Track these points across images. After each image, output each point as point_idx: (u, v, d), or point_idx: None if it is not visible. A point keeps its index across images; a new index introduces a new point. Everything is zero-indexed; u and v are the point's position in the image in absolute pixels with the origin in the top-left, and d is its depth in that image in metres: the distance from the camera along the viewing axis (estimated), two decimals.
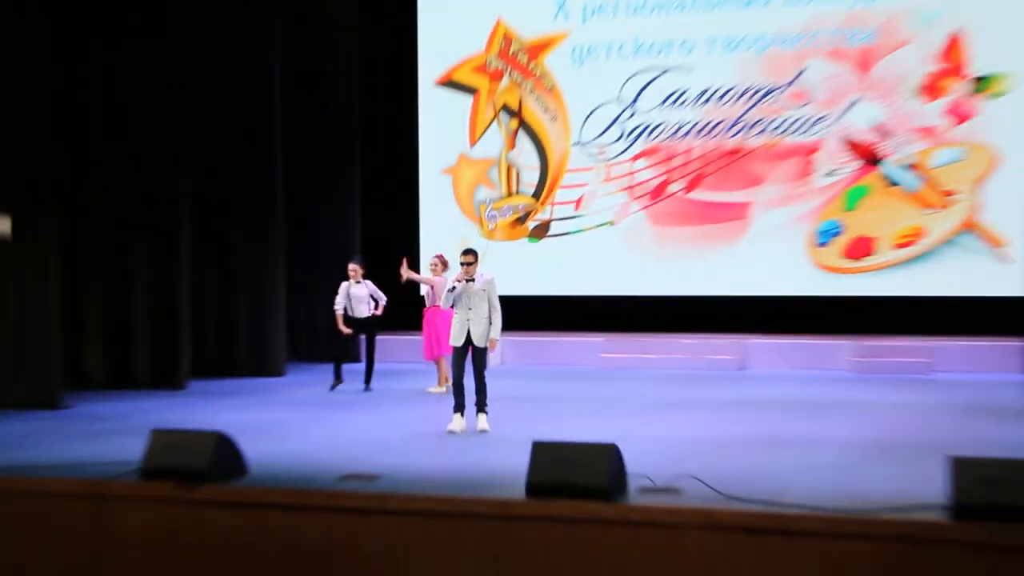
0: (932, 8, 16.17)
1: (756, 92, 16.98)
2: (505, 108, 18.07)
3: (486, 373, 10.31)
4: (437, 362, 13.36)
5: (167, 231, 13.83)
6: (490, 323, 10.19)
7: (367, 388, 13.49)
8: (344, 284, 13.55)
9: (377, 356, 13.81)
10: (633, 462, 7.61)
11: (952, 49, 16.19)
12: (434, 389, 13.27)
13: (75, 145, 13.51)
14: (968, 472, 6.59)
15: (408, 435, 10.15)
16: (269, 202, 15.39)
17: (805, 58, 16.78)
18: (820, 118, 16.71)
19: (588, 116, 17.69)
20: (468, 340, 10.19)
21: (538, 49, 17.92)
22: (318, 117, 16.84)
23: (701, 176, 17.21)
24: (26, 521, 8.00)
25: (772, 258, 16.81)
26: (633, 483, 7.44)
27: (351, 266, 13.66)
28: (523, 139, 18.00)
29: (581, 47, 17.77)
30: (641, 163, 17.48)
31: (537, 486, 7.18)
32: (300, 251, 16.43)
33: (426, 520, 7.25)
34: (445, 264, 13.33)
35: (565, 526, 6.99)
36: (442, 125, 18.34)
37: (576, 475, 7.07)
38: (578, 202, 17.78)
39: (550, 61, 17.87)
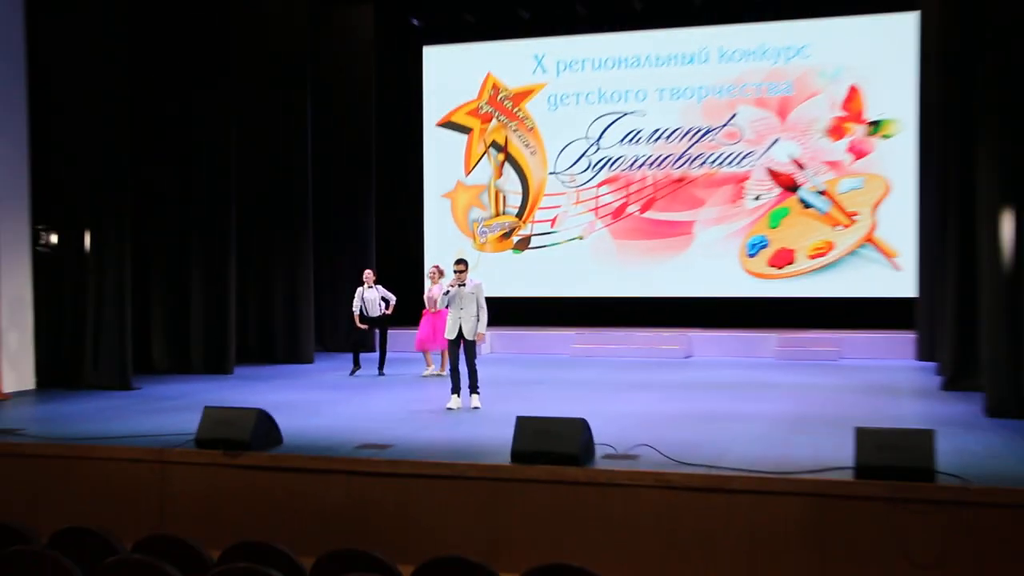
0: (835, 66, 16.27)
1: (697, 132, 16.98)
2: (494, 144, 18.03)
3: (477, 361, 10.25)
4: (424, 351, 13.30)
5: (217, 244, 13.73)
6: (478, 320, 10.16)
7: (381, 373, 13.41)
8: (359, 289, 13.47)
9: (389, 347, 13.73)
10: (599, 433, 7.58)
11: (852, 99, 16.26)
12: (427, 373, 13.20)
13: (146, 169, 13.42)
14: (870, 440, 6.60)
15: (414, 412, 10.09)
16: (301, 219, 15.31)
17: (736, 105, 16.80)
18: (748, 153, 16.71)
19: (561, 151, 17.67)
20: (460, 334, 10.14)
21: (521, 96, 17.90)
22: (342, 150, 16.76)
23: (653, 199, 17.20)
24: (103, 480, 7.98)
25: (711, 266, 16.81)
26: (599, 451, 7.41)
27: (365, 273, 13.59)
28: (508, 169, 17.97)
29: (556, 95, 17.75)
30: (605, 189, 17.46)
31: (520, 453, 7.15)
32: (325, 259, 16.34)
33: (429, 481, 7.21)
34: (441, 272, 13.26)
35: (543, 486, 6.96)
36: (442, 158, 18.31)
37: (552, 444, 7.04)
38: (553, 221, 17.75)
39: (530, 106, 17.85)
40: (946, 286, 11.75)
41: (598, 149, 17.47)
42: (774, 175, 16.59)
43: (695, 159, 16.95)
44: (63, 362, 12.28)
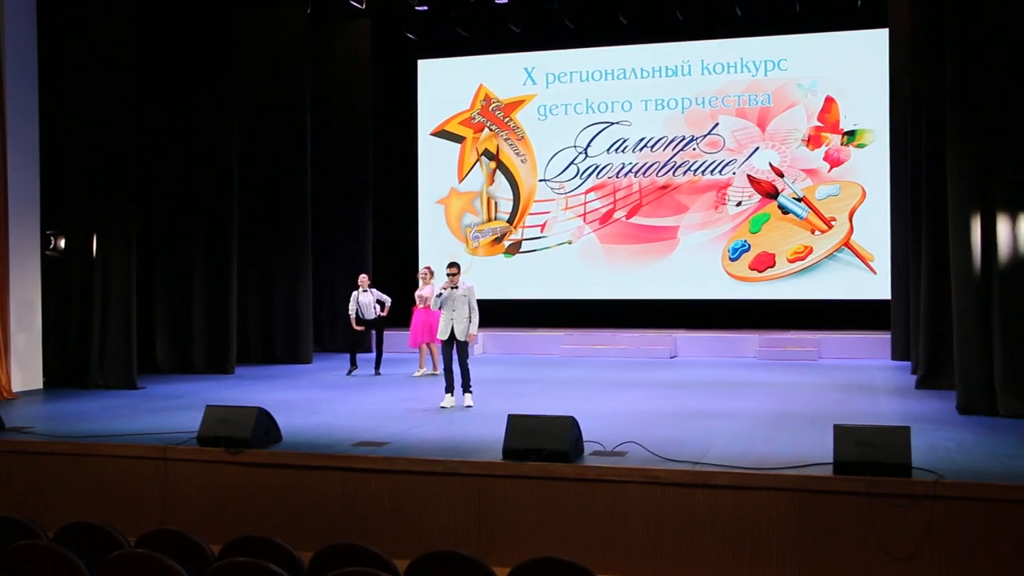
0: (812, 79, 16.34)
1: (680, 141, 16.99)
2: (486, 152, 18.01)
3: (469, 361, 10.21)
4: (420, 349, 13.26)
5: (219, 248, 13.68)
6: (470, 321, 10.11)
7: (377, 373, 13.36)
8: (354, 293, 13.43)
9: (384, 347, 13.68)
10: (587, 431, 7.55)
11: (828, 110, 16.31)
12: (419, 374, 13.16)
13: (150, 176, 13.36)
14: (848, 436, 6.58)
15: (409, 410, 10.03)
16: (300, 224, 15.27)
17: (718, 115, 16.82)
18: (730, 161, 16.73)
19: (551, 159, 17.67)
20: (452, 335, 10.09)
21: (512, 107, 17.88)
22: (340, 158, 16.73)
23: (639, 206, 17.19)
24: (108, 476, 7.92)
25: (695, 269, 16.81)
26: (588, 448, 7.38)
27: (360, 277, 13.55)
28: (500, 177, 17.95)
29: (545, 105, 17.74)
30: (592, 195, 17.45)
31: (512, 451, 7.11)
32: (324, 262, 16.30)
33: (424, 478, 7.17)
34: (432, 273, 13.25)
35: (534, 482, 6.93)
36: (436, 165, 18.29)
37: (543, 442, 7.01)
38: (543, 226, 17.73)
39: (521, 116, 17.84)
40: (919, 288, 11.77)
41: (586, 157, 17.46)
42: (754, 182, 16.60)
43: (679, 167, 16.96)
44: (70, 362, 12.22)
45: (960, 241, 9.46)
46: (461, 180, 18.15)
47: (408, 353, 14.48)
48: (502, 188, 17.94)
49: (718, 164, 16.76)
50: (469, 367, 10.18)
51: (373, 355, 13.68)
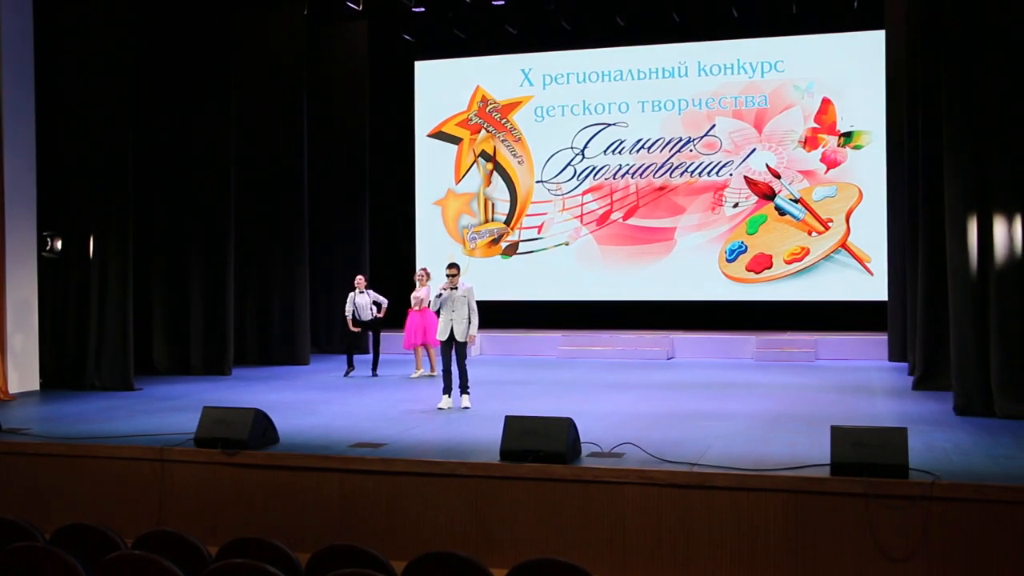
0: (808, 80, 16.35)
1: (677, 142, 16.99)
2: (483, 154, 18.01)
3: (467, 362, 10.20)
4: (415, 351, 13.25)
5: (217, 249, 13.67)
6: (469, 322, 10.11)
7: (374, 374, 13.35)
8: (351, 294, 13.42)
9: (381, 349, 13.68)
10: (585, 432, 7.56)
11: (825, 111, 16.32)
12: (415, 375, 13.15)
13: (147, 177, 13.34)
14: (845, 438, 6.59)
15: (407, 411, 10.03)
16: (297, 225, 15.25)
17: (714, 117, 16.82)
18: (727, 163, 16.73)
19: (548, 160, 17.66)
20: (452, 336, 10.09)
21: (509, 108, 17.88)
22: (337, 159, 16.71)
23: (636, 207, 17.20)
24: (105, 478, 7.91)
25: (692, 271, 16.82)
26: (585, 449, 7.38)
27: (357, 279, 13.54)
28: (497, 178, 17.95)
29: (542, 107, 17.74)
30: (589, 197, 17.45)
31: (509, 452, 7.11)
32: (321, 264, 16.28)
33: (421, 479, 7.17)
34: (429, 275, 13.25)
35: (531, 484, 6.92)
36: (433, 167, 18.28)
37: (540, 443, 7.01)
38: (540, 227, 17.73)
39: (518, 118, 17.84)
40: (916, 290, 11.78)
41: (583, 159, 17.47)
42: (751, 184, 16.61)
43: (676, 168, 16.97)
44: (67, 363, 12.20)
45: (957, 242, 9.47)
46: (458, 181, 18.15)
47: (405, 354, 14.47)
48: (499, 189, 17.94)
49: (715, 165, 16.77)
50: (467, 368, 10.17)
51: (370, 356, 13.67)
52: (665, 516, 6.62)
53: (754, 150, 16.59)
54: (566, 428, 7.10)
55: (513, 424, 7.21)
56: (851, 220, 16.14)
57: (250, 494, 7.52)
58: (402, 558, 4.83)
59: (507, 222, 17.89)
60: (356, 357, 13.66)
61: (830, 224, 16.22)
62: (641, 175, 17.13)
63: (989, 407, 9.10)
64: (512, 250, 17.87)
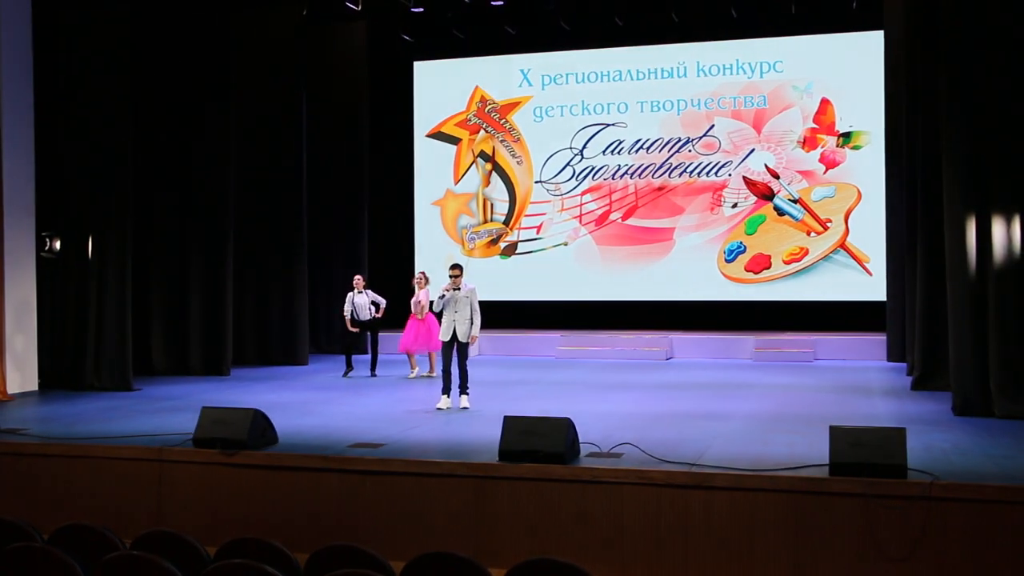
0: (807, 81, 16.35)
1: (676, 142, 17.00)
2: (482, 154, 18.01)
3: (467, 363, 10.20)
4: (409, 354, 13.25)
5: (215, 250, 13.67)
6: (471, 323, 10.11)
7: (372, 374, 13.34)
8: (349, 294, 13.41)
9: (380, 349, 13.67)
10: (583, 433, 7.56)
11: (823, 112, 16.32)
12: (412, 375, 13.15)
13: (146, 177, 13.32)
14: (844, 438, 6.59)
15: (405, 412, 10.03)
16: (296, 225, 15.24)
17: (713, 117, 16.83)
18: (726, 163, 16.74)
19: (546, 160, 17.66)
20: (454, 336, 10.09)
21: (508, 108, 17.89)
22: (335, 159, 16.69)
23: (635, 207, 17.20)
24: (104, 478, 7.90)
25: (691, 271, 16.81)
26: (584, 449, 7.38)
27: (355, 279, 13.53)
28: (496, 178, 17.95)
29: (541, 107, 17.74)
30: (588, 197, 17.45)
31: (507, 452, 7.11)
32: (320, 264, 16.26)
33: (420, 479, 7.16)
34: (428, 279, 13.23)
35: (530, 484, 6.92)
36: (432, 167, 18.27)
37: (538, 443, 7.01)
38: (539, 227, 17.73)
39: (517, 118, 17.84)
40: (914, 290, 11.78)
41: (582, 159, 17.46)
42: (750, 184, 16.61)
43: (675, 168, 16.97)
44: (65, 364, 12.19)
45: (955, 243, 9.48)
46: (457, 182, 18.15)
47: (403, 355, 14.46)
48: (498, 190, 17.94)
49: (714, 166, 16.77)
50: (468, 369, 10.17)
51: (369, 357, 13.67)
52: (664, 516, 6.62)
53: (753, 150, 16.60)
54: (565, 428, 7.10)
55: (512, 424, 7.20)
56: (850, 220, 16.15)
57: (249, 494, 7.51)
58: (401, 558, 4.82)
59: (506, 222, 17.89)
60: (355, 357, 13.65)
61: (829, 224, 16.23)
62: (640, 175, 17.13)
63: (988, 407, 9.10)
64: (511, 250, 17.86)
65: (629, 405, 10.33)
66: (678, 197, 16.95)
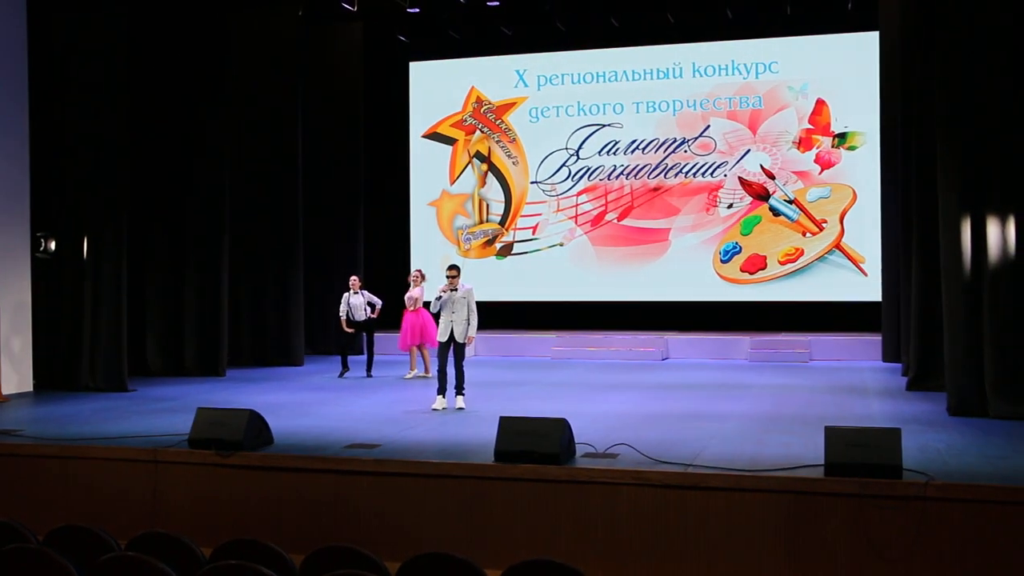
0: (802, 81, 16.38)
1: (672, 143, 17.01)
2: (477, 155, 18.01)
3: (464, 363, 10.20)
4: (410, 352, 13.26)
5: (211, 250, 13.66)
6: (468, 323, 10.12)
7: (368, 375, 13.33)
8: (345, 294, 13.40)
9: (375, 349, 13.67)
10: (579, 433, 7.56)
11: (819, 112, 16.35)
12: (409, 376, 13.15)
13: (141, 177, 13.30)
14: (839, 438, 6.59)
15: (401, 412, 10.02)
16: (292, 225, 15.22)
17: (709, 117, 16.84)
18: (721, 163, 16.75)
19: (542, 161, 17.66)
20: (451, 337, 10.09)
21: (503, 109, 17.88)
22: (331, 160, 16.67)
23: (631, 208, 17.21)
24: (99, 479, 7.88)
25: (686, 271, 16.83)
26: (579, 450, 7.37)
27: (351, 279, 13.53)
28: (491, 179, 17.95)
29: (537, 108, 17.74)
30: (584, 198, 17.45)
31: (503, 453, 7.10)
32: (315, 265, 16.24)
33: (415, 480, 7.16)
34: (424, 276, 13.24)
35: (526, 484, 6.92)
36: (428, 168, 18.27)
37: (534, 444, 7.00)
38: (535, 228, 17.73)
39: (512, 118, 17.83)
40: (909, 290, 11.80)
41: (577, 159, 17.47)
42: (746, 184, 16.63)
43: (670, 169, 16.98)
44: (60, 364, 12.16)
45: (950, 243, 9.49)
46: (453, 182, 18.15)
47: (400, 356, 14.46)
48: (494, 190, 17.93)
49: (709, 166, 16.78)
50: (464, 370, 10.17)
51: (365, 358, 13.65)
52: (660, 517, 6.62)
53: (748, 151, 16.61)
54: (560, 429, 7.09)
55: (507, 425, 7.20)
56: (845, 221, 16.17)
57: (244, 495, 7.50)
58: (397, 559, 4.82)
59: (502, 223, 17.88)
60: (350, 358, 13.64)
61: (824, 225, 16.25)
62: (636, 176, 17.14)
63: (982, 407, 9.12)
64: (507, 251, 17.86)
65: (625, 405, 10.33)
66: (674, 198, 16.97)
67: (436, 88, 18.22)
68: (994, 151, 9.28)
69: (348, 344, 13.65)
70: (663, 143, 17.02)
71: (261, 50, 15.16)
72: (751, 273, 16.57)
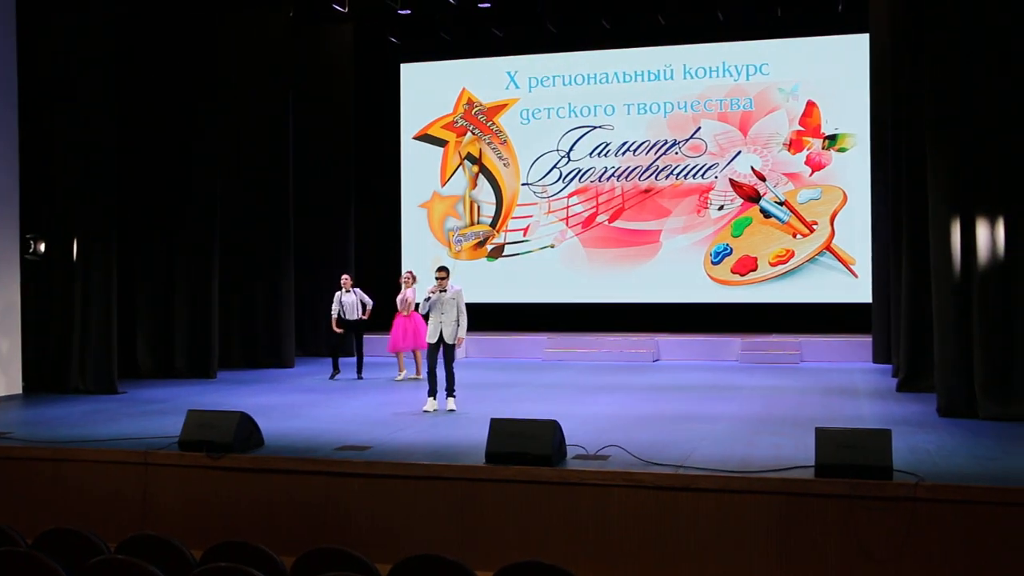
0: (793, 83, 16.42)
1: (663, 145, 17.04)
2: (468, 156, 18.01)
3: (454, 365, 10.19)
4: (398, 354, 13.25)
5: (201, 251, 13.63)
6: (458, 325, 10.11)
7: (359, 377, 13.31)
8: (337, 293, 13.39)
9: (366, 351, 13.66)
10: (570, 435, 7.56)
11: (809, 114, 16.40)
12: (400, 377, 13.14)
13: (131, 178, 13.27)
14: (829, 439, 6.61)
15: (392, 414, 10.01)
16: (283, 227, 15.20)
17: (700, 119, 16.88)
18: (712, 165, 16.78)
19: (533, 163, 17.67)
20: (440, 338, 10.09)
21: (494, 111, 17.89)
22: (322, 161, 16.65)
23: (622, 210, 17.23)
24: (89, 482, 7.85)
25: (677, 273, 16.85)
26: (571, 452, 7.38)
27: (343, 278, 13.51)
28: (482, 180, 17.95)
29: (528, 109, 17.75)
30: (575, 199, 17.47)
31: (494, 454, 7.10)
32: (306, 267, 16.21)
33: (406, 482, 7.15)
34: (415, 278, 13.23)
35: (517, 486, 6.92)
36: (419, 169, 18.26)
37: (525, 446, 7.01)
38: (526, 230, 17.73)
39: (504, 120, 17.84)
40: (899, 292, 11.84)
41: (568, 161, 17.48)
42: (736, 186, 16.67)
43: (661, 171, 17.01)
44: (50, 366, 12.11)
45: (940, 245, 9.53)
46: (444, 184, 18.14)
47: (391, 357, 14.44)
48: (485, 192, 17.93)
49: (700, 168, 16.82)
50: (454, 371, 10.17)
51: (355, 359, 13.63)
52: (651, 518, 6.63)
53: (739, 153, 16.65)
54: (551, 430, 7.10)
55: (498, 427, 7.20)
56: (835, 222, 16.22)
57: (235, 498, 7.48)
58: (388, 561, 4.81)
59: (493, 224, 17.89)
60: (341, 360, 13.62)
61: (815, 226, 16.29)
62: (627, 178, 17.17)
63: (972, 409, 9.15)
64: (498, 252, 17.87)
65: (616, 407, 10.34)
66: (664, 199, 17.00)
67: (427, 90, 18.21)
68: (983, 153, 9.32)
69: (338, 346, 13.63)
70: (654, 145, 17.05)
71: (252, 52, 15.13)
72: (742, 275, 16.61)
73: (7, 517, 6.99)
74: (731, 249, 16.67)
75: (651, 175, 17.04)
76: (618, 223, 17.21)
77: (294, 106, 15.50)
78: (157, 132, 13.61)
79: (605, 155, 17.30)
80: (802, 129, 16.39)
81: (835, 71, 16.21)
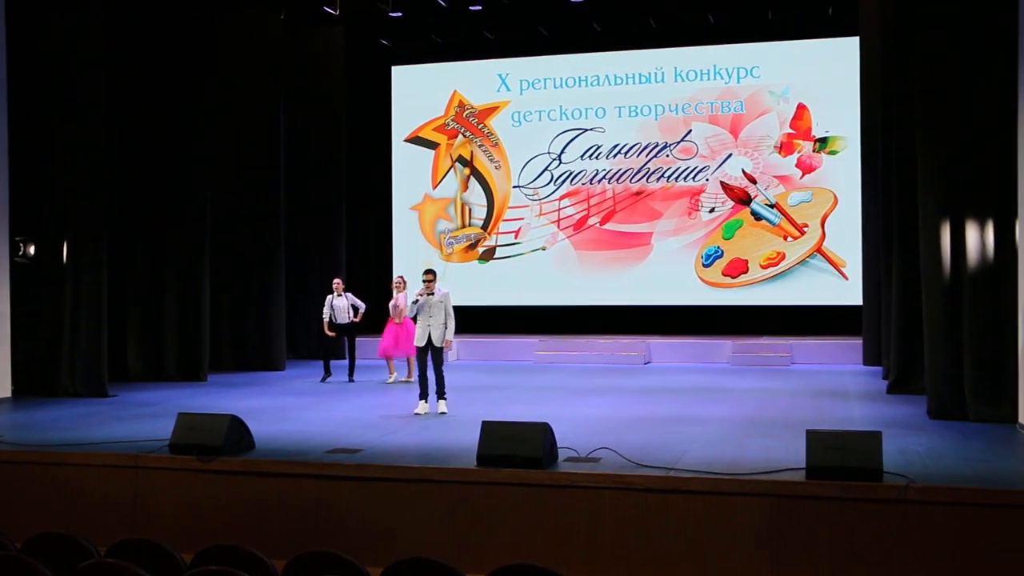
0: (784, 86, 16.48)
1: (654, 147, 17.08)
2: (460, 159, 18.02)
3: (443, 368, 10.19)
4: (387, 358, 13.24)
5: (192, 254, 13.60)
6: (446, 328, 10.11)
7: (350, 380, 13.31)
8: (328, 297, 13.38)
9: (357, 354, 13.64)
10: (561, 437, 7.56)
11: (800, 117, 16.46)
12: (390, 380, 13.13)
13: (121, 180, 13.24)
14: (820, 442, 6.62)
15: (383, 417, 10.00)
16: (273, 230, 15.17)
17: (691, 122, 16.92)
18: (703, 168, 16.83)
19: (525, 165, 17.69)
20: (429, 341, 10.08)
21: (486, 113, 17.90)
22: (313, 164, 16.63)
23: (613, 212, 17.26)
24: (79, 485, 7.82)
25: (668, 275, 16.89)
26: (562, 454, 7.38)
27: (334, 281, 13.50)
28: (474, 183, 17.96)
29: (519, 112, 17.77)
30: (566, 202, 17.49)
31: (486, 457, 7.11)
32: (297, 269, 16.18)
33: (397, 485, 7.15)
34: (405, 283, 13.22)
35: (508, 489, 6.92)
36: (410, 172, 18.27)
37: (517, 448, 7.01)
38: (517, 232, 17.75)
39: (495, 122, 17.86)
40: (890, 294, 11.88)
41: (560, 164, 17.51)
42: (727, 189, 16.71)
43: (652, 173, 17.04)
44: (40, 370, 12.06)
45: (930, 247, 9.57)
46: (435, 186, 18.14)
47: (381, 360, 14.43)
48: (476, 194, 17.94)
49: (691, 171, 16.86)
50: (444, 374, 10.17)
51: (347, 362, 13.61)
52: (642, 521, 6.64)
53: (730, 155, 16.70)
54: (542, 433, 7.10)
55: (489, 429, 7.20)
56: (826, 225, 16.27)
57: (225, 501, 7.46)
58: (379, 564, 4.81)
59: (484, 227, 17.90)
60: (332, 363, 13.60)
61: (805, 229, 16.35)
62: (618, 180, 17.20)
63: (962, 411, 9.18)
64: (489, 255, 17.87)
65: (607, 409, 10.34)
66: (656, 202, 17.03)
67: (418, 92, 18.22)
68: (973, 155, 9.35)
69: (330, 348, 13.61)
70: (645, 147, 17.08)
71: (243, 54, 15.09)
72: (733, 277, 16.65)
73: None
74: (722, 251, 16.71)
75: (642, 177, 17.08)
76: (609, 225, 17.24)
77: (285, 108, 15.48)
78: (147, 136, 13.58)
79: (596, 158, 17.33)
80: (793, 132, 16.45)
81: (825, 74, 16.27)
